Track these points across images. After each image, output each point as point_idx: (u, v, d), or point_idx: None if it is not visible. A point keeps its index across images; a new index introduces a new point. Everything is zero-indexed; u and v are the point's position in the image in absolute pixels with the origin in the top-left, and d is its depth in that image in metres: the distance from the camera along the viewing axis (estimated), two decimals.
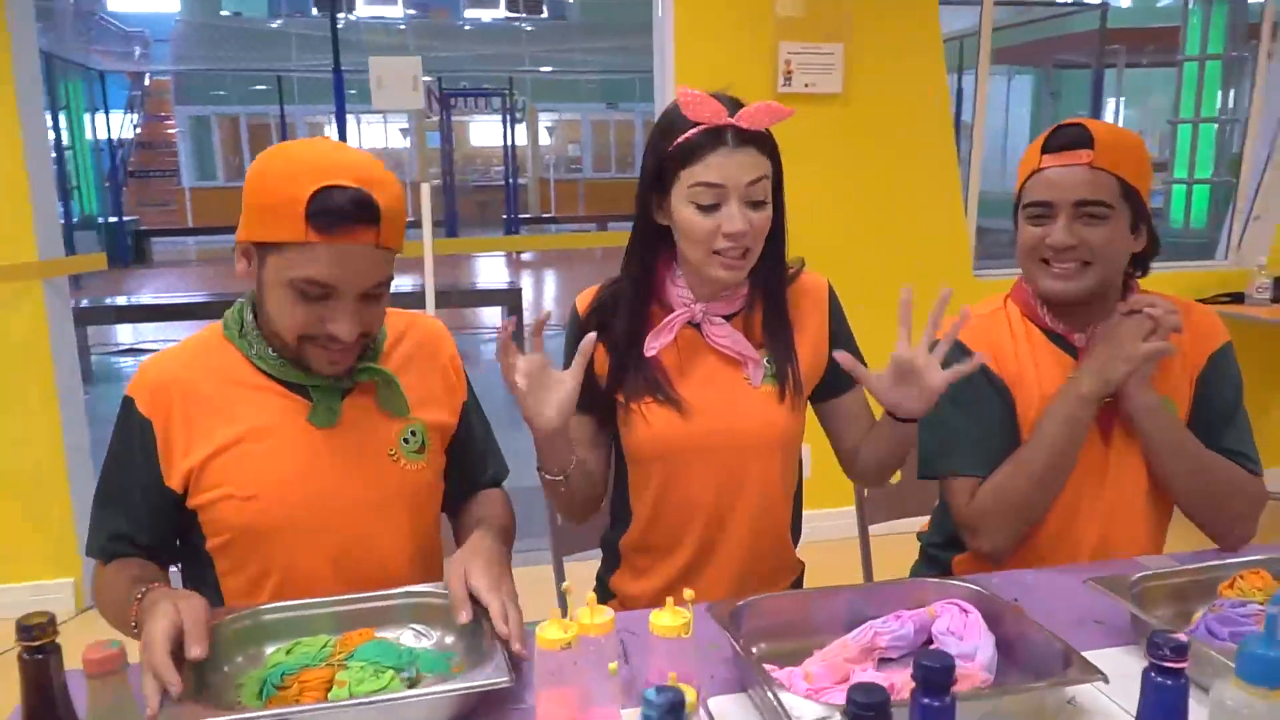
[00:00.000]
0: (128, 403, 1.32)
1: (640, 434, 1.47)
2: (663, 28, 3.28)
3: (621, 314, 1.48)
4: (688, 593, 1.04)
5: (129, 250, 13.76)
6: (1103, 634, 1.25)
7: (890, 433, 1.42)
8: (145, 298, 10.10)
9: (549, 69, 16.69)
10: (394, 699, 1.06)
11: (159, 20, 17.27)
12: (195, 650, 1.06)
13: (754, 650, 1.17)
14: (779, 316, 1.49)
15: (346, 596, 1.27)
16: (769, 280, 1.48)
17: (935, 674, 0.77)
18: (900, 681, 1.10)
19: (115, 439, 1.33)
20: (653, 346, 1.45)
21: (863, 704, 0.72)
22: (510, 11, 17.72)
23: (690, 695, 0.84)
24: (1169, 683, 0.80)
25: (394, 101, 3.15)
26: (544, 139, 19.39)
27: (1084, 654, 1.06)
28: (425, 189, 3.27)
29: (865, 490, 1.89)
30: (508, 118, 14.18)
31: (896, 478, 1.63)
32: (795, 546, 1.62)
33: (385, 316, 1.38)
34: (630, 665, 1.17)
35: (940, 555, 1.66)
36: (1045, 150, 1.48)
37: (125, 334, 8.36)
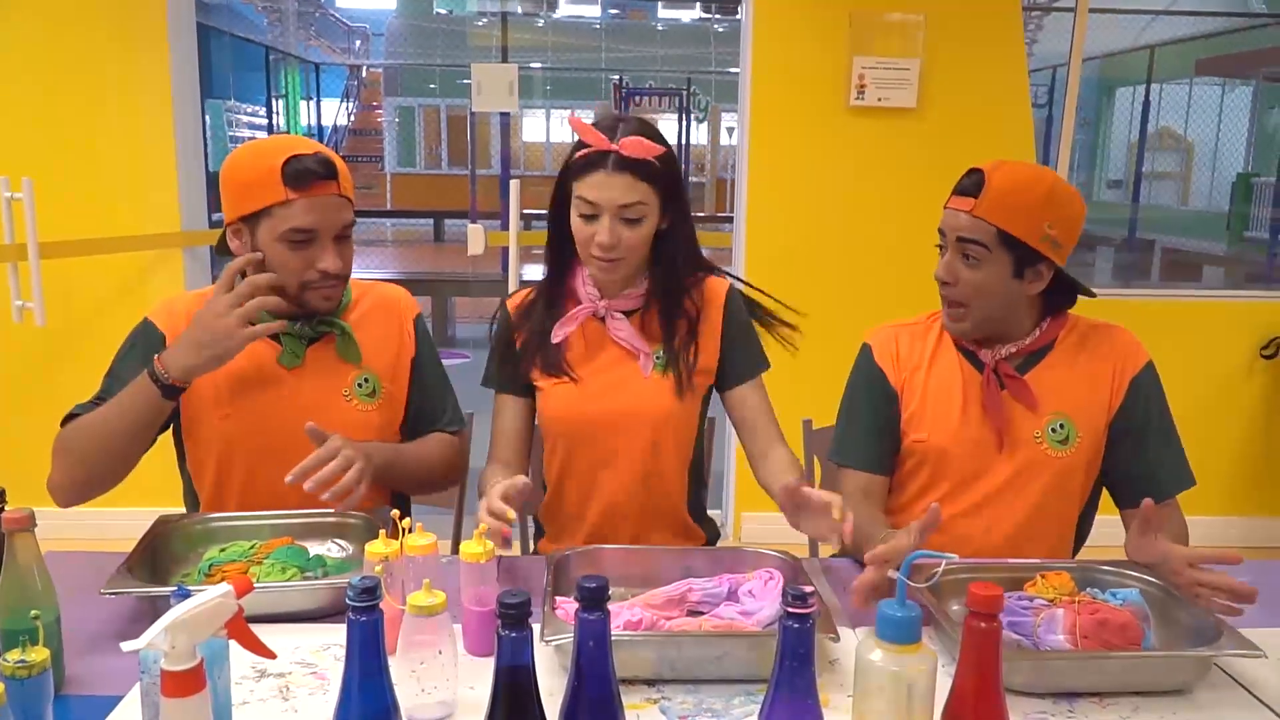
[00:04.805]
0: (147, 322, 1.65)
1: (547, 409, 1.70)
2: (745, 34, 3.45)
3: (538, 306, 1.71)
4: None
5: None
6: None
7: None
8: None
9: (736, 70, 16.88)
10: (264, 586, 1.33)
11: (380, 16, 18.63)
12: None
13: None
14: (672, 315, 1.69)
15: (281, 511, 1.56)
16: (665, 284, 1.68)
17: (591, 593, 0.96)
18: (696, 624, 1.27)
19: (125, 350, 1.64)
20: (559, 334, 1.68)
21: (510, 604, 0.93)
22: (705, 13, 18.06)
23: (439, 598, 1.06)
24: (796, 625, 0.95)
25: (491, 104, 3.47)
26: (725, 139, 19.56)
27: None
28: None
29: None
30: (683, 117, 14.42)
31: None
32: (699, 519, 1.80)
33: (352, 265, 1.64)
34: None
35: None
36: (952, 191, 1.63)
37: None
